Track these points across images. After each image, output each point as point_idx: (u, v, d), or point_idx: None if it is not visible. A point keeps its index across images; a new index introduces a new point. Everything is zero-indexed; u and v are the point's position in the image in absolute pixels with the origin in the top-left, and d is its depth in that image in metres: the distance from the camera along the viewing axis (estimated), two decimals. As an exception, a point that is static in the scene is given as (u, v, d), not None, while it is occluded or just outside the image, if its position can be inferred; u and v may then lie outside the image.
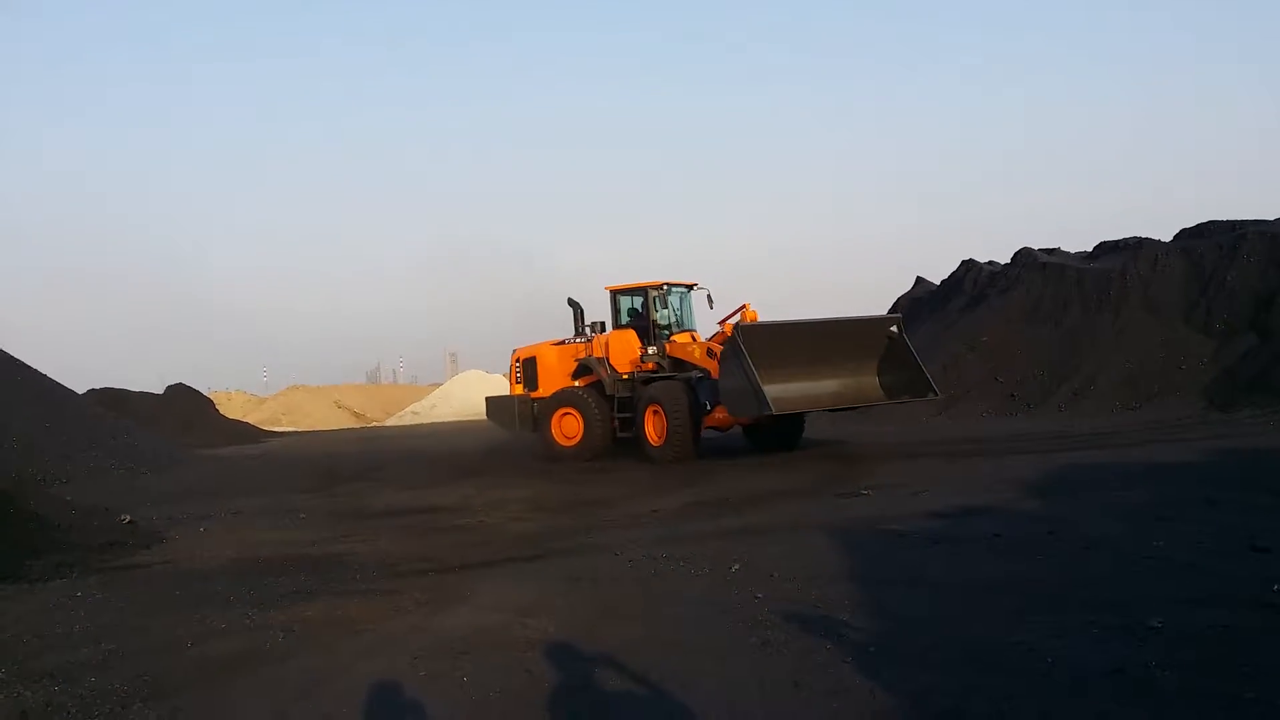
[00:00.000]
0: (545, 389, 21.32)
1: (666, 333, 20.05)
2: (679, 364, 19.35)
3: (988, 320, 27.51)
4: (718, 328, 19.47)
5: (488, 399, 24.90)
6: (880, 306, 38.41)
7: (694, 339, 20.02)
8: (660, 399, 18.61)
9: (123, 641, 7.24)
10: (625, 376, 19.93)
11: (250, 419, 57.54)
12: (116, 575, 10.05)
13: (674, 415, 18.27)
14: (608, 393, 19.98)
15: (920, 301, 33.76)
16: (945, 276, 33.44)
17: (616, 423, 19.82)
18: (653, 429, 18.85)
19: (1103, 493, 10.99)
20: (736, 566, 8.39)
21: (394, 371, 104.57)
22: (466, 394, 65.75)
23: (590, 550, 9.98)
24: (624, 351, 20.11)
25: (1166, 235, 27.28)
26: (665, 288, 20.28)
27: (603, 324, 20.73)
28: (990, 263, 31.41)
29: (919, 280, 35.74)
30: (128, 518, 12.95)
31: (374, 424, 62.24)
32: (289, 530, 13.01)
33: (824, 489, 13.28)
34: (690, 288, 20.99)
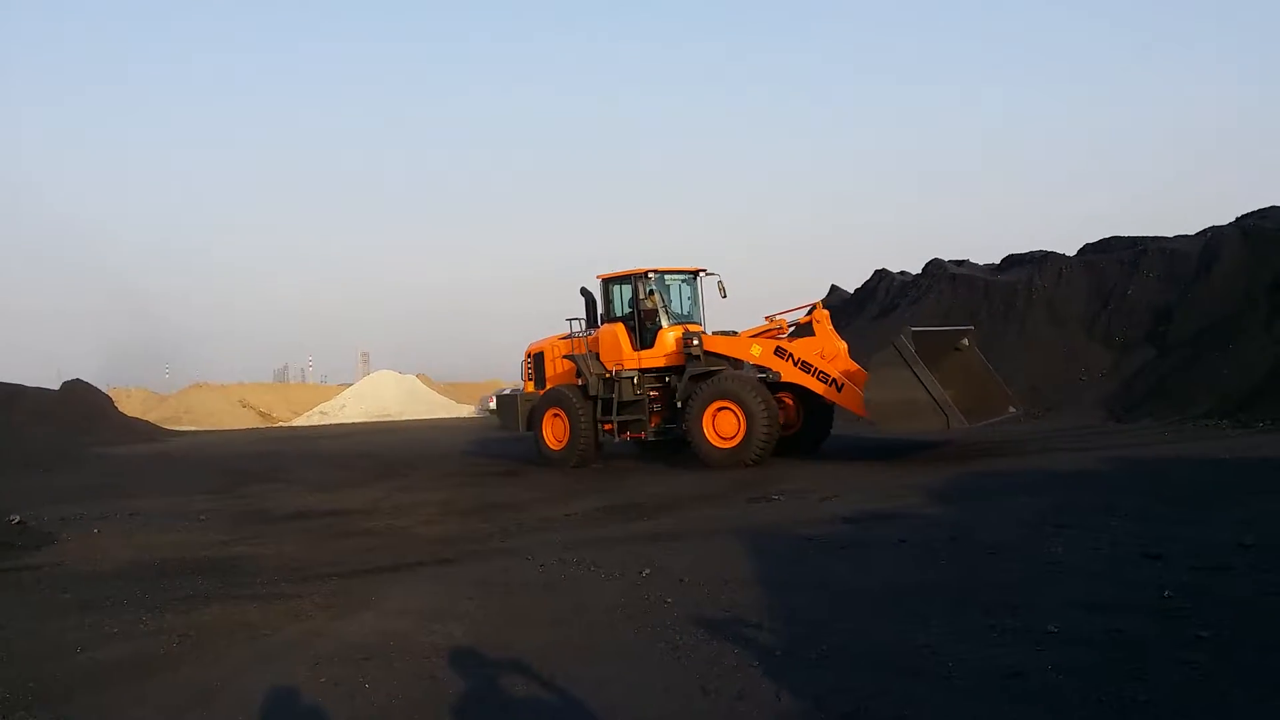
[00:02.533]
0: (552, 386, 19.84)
1: (657, 325, 18.27)
2: (692, 360, 17.69)
3: (899, 329, 28.04)
4: (738, 322, 18.63)
5: (498, 397, 23.71)
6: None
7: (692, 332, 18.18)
8: (742, 396, 16.44)
9: (8, 646, 6.96)
10: (609, 375, 18.46)
11: (151, 417, 55.76)
12: (4, 578, 9.66)
13: (762, 416, 16.32)
14: (590, 393, 18.56)
15: (834, 309, 34.26)
16: (859, 285, 34.02)
17: (613, 425, 18.44)
18: (721, 428, 16.72)
19: (1005, 499, 11.24)
20: (647, 571, 8.37)
21: (303, 370, 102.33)
22: (378, 394, 64.83)
23: (501, 554, 9.88)
24: (611, 347, 18.51)
25: (1071, 249, 28.16)
26: (654, 275, 18.55)
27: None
28: (902, 273, 32.07)
29: (833, 288, 36.31)
30: (17, 518, 12.47)
31: (280, 424, 60.86)
32: (188, 532, 12.62)
33: (735, 494, 13.35)
34: (695, 274, 19.29)
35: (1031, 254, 28.55)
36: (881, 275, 32.60)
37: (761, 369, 17.49)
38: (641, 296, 18.37)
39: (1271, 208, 23.69)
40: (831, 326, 17.54)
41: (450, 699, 5.45)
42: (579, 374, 18.94)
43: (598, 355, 18.78)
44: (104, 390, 53.60)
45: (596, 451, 19.08)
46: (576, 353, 19.03)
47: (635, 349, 18.36)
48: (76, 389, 46.30)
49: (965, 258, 30.87)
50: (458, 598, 7.92)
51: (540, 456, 19.39)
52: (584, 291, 19.38)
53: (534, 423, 19.57)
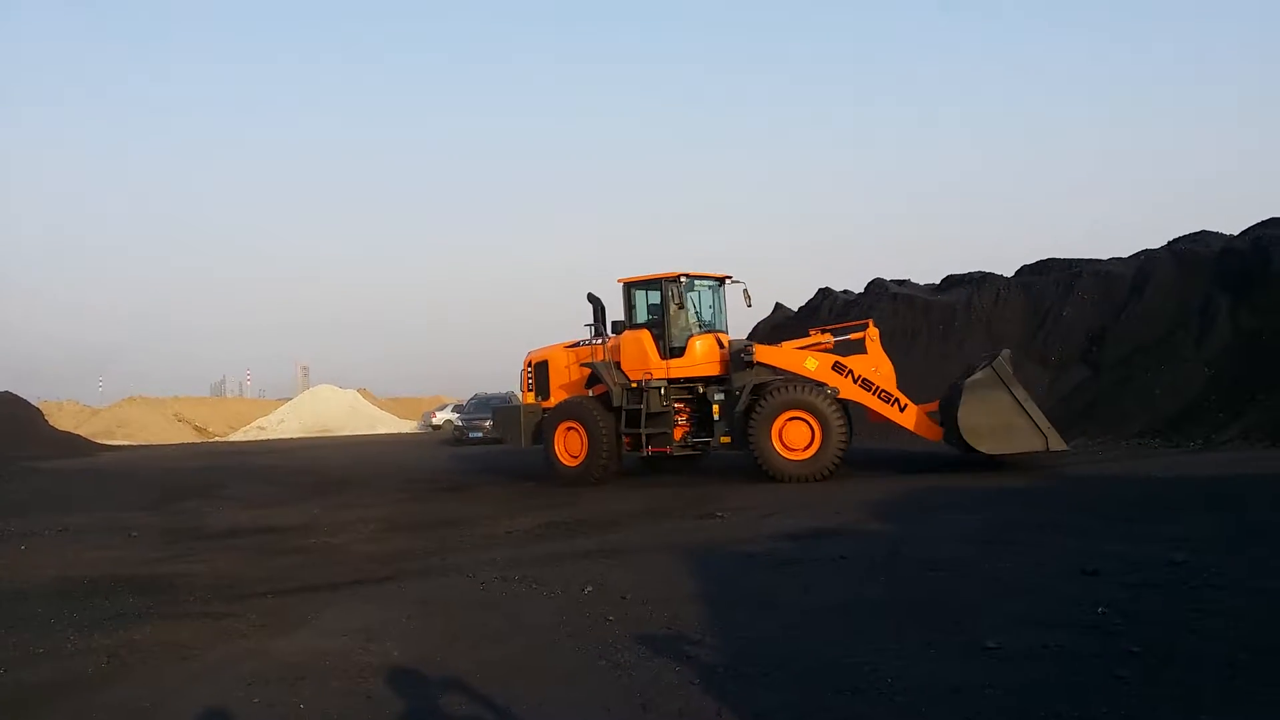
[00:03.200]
0: (557, 398, 18.73)
1: (686, 334, 17.53)
2: (741, 370, 17.04)
3: (842, 348, 28.27)
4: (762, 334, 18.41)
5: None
6: (739, 331, 39.06)
7: (721, 341, 17.81)
8: (819, 407, 16.02)
9: (-75, 668, 6.69)
10: (635, 385, 17.49)
11: (82, 431, 54.32)
12: (-79, 597, 9.31)
13: (839, 427, 16.01)
14: (614, 404, 17.41)
15: (779, 328, 34.56)
16: (803, 303, 34.31)
17: (631, 439, 17.58)
18: (791, 439, 16.18)
19: (945, 516, 11.38)
20: (589, 589, 8.33)
21: (240, 384, 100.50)
22: (317, 409, 63.76)
23: (441, 572, 9.76)
24: (636, 355, 17.50)
25: (1009, 271, 28.65)
26: (684, 280, 17.57)
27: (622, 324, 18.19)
28: (845, 291, 32.38)
29: (778, 306, 36.58)
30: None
31: (217, 439, 59.72)
32: (119, 549, 12.31)
33: (680, 511, 13.36)
34: (721, 281, 18.43)
35: (970, 274, 29.01)
36: (825, 293, 32.91)
37: (818, 383, 16.73)
38: (674, 301, 17.35)
39: (1202, 232, 24.32)
40: (881, 346, 17.27)
41: (387, 719, 5.36)
42: (590, 384, 18.23)
43: (618, 364, 17.80)
44: (34, 404, 52.19)
45: (618, 466, 17.98)
46: (596, 360, 18.04)
47: (663, 358, 17.42)
48: (4, 402, 45.00)
49: (906, 277, 31.33)
50: (395, 616, 7.80)
51: (552, 473, 18.06)
52: (591, 297, 18.50)
53: (543, 436, 18.38)
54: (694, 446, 17.66)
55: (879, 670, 5.66)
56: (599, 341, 18.22)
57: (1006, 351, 16.52)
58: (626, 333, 17.79)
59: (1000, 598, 7.30)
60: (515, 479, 19.30)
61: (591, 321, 18.58)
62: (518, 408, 19.85)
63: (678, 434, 17.53)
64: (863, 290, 31.23)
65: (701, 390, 17.44)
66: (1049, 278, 26.71)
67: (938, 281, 30.32)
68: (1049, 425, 15.07)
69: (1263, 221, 22.48)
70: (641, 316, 17.91)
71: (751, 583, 8.39)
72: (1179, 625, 6.21)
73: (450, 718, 5.34)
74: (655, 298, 17.72)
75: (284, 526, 14.06)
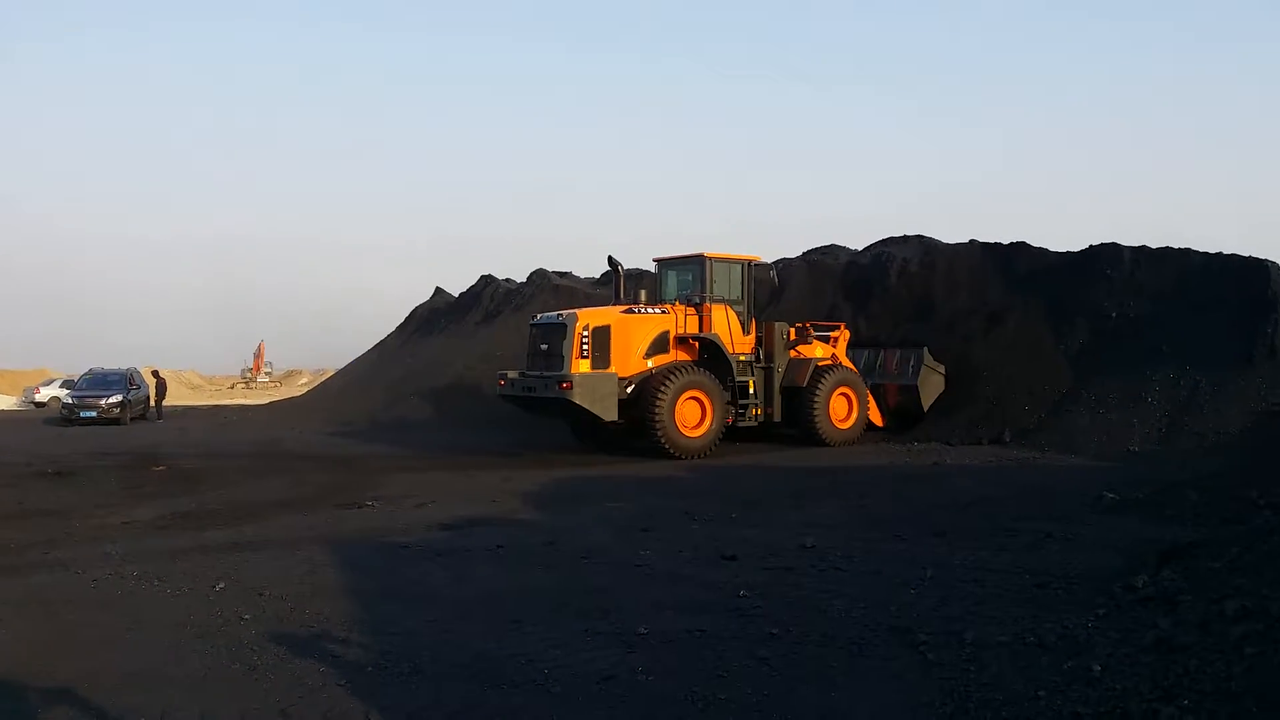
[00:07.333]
0: (621, 366, 17.12)
1: (753, 314, 18.66)
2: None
3: (503, 336, 28.33)
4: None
5: (576, 377, 16.71)
6: (395, 315, 38.13)
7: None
8: (858, 383, 18.94)
9: None
10: (744, 358, 18.15)
11: None
12: None
13: (869, 399, 19.15)
14: (735, 377, 17.78)
15: (439, 312, 34.08)
16: (464, 290, 34.02)
17: (752, 411, 18.15)
18: (836, 412, 18.52)
19: (596, 505, 11.60)
20: (221, 585, 7.61)
21: None
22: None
23: (44, 568, 8.52)
24: (724, 331, 17.95)
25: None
26: (712, 262, 18.36)
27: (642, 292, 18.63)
28: (508, 280, 32.48)
29: (438, 290, 36.06)
30: None
31: None
32: None
33: (324, 500, 12.62)
34: (749, 264, 19.00)
35: (629, 272, 29.99)
36: (487, 281, 32.84)
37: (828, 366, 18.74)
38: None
39: (832, 245, 26.47)
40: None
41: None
42: (652, 353, 17.55)
43: (721, 339, 17.90)
44: None
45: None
46: (705, 333, 17.85)
47: (745, 334, 18.31)
48: None
49: (568, 270, 31.91)
50: (-14, 620, 6.71)
51: (662, 445, 16.65)
52: (611, 261, 18.87)
53: (646, 406, 16.73)
54: (762, 421, 18.44)
55: (535, 662, 5.59)
56: (644, 308, 18.04)
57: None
58: (713, 305, 18.03)
59: (650, 584, 7.51)
60: (133, 465, 17.36)
61: (613, 286, 19.22)
62: (611, 377, 16.99)
63: (755, 410, 18.25)
64: (525, 280, 31.46)
65: (771, 367, 18.46)
66: (689, 276, 28.13)
67: (597, 275, 31.16)
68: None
69: (883, 240, 24.98)
70: (669, 293, 18.97)
71: (403, 575, 8.04)
72: (811, 607, 6.66)
73: (49, 738, 4.62)
74: (687, 276, 18.74)
75: None
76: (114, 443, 21.44)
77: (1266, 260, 17.32)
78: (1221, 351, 16.17)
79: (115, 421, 27.77)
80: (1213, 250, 18.28)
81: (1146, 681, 4.49)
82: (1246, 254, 17.73)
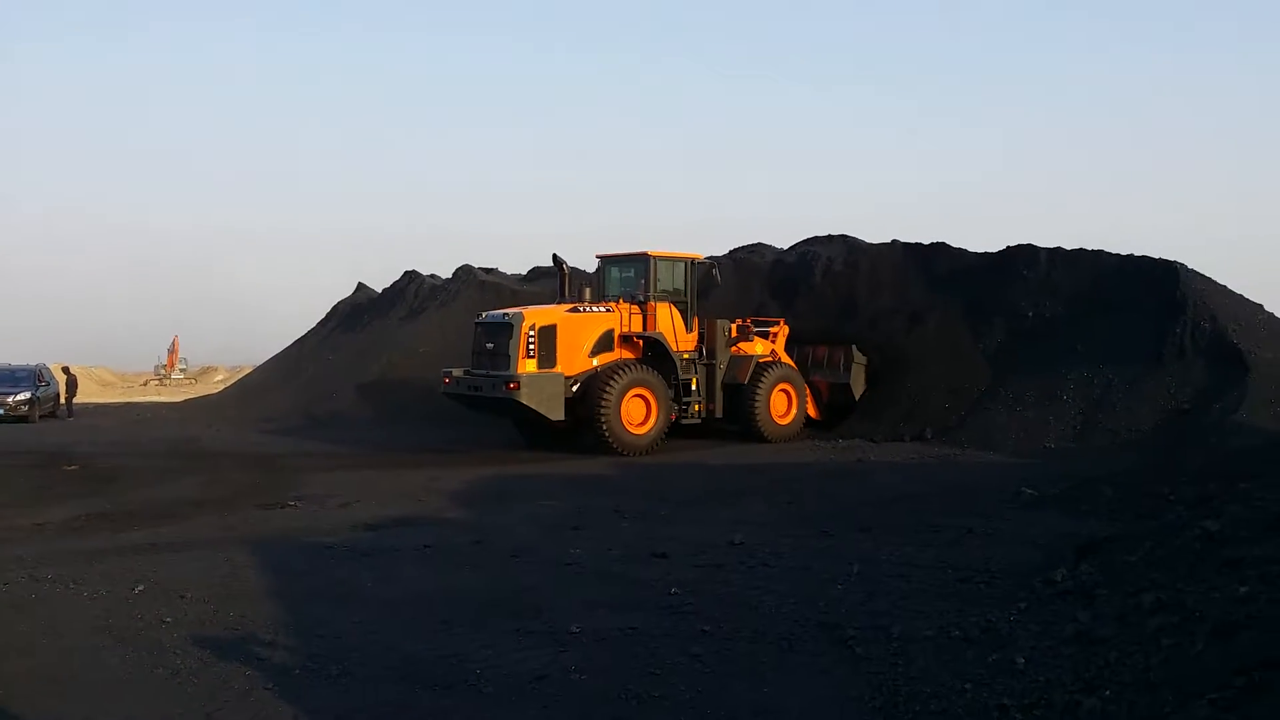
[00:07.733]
0: (566, 365, 16.99)
1: (694, 311, 18.70)
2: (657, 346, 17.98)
3: (427, 331, 28.00)
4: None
5: (523, 377, 16.64)
6: (317, 309, 37.42)
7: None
8: (797, 380, 19.22)
9: None
10: (687, 356, 18.20)
11: None
12: None
13: (807, 394, 19.45)
14: (680, 376, 17.91)
15: (361, 307, 33.54)
16: (388, 285, 33.54)
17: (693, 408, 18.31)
18: (777, 408, 18.77)
19: (524, 503, 11.54)
20: (141, 587, 7.39)
21: None
22: None
23: (-53, 572, 8.20)
24: (668, 328, 18.00)
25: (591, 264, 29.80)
26: (656, 260, 18.45)
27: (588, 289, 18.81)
28: (432, 276, 32.08)
29: (360, 286, 35.48)
30: None
31: None
32: None
33: (245, 500, 12.32)
34: (692, 261, 19.18)
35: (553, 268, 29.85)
36: (411, 276, 32.38)
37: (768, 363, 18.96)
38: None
39: (759, 244, 26.71)
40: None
41: None
42: (597, 352, 17.49)
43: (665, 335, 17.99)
44: None
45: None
46: (650, 331, 17.87)
47: (688, 332, 18.41)
48: None
49: (495, 266, 31.63)
50: (-117, 629, 6.43)
51: (608, 443, 16.70)
52: (556, 259, 18.60)
53: (592, 405, 16.77)
54: (697, 417, 18.48)
55: (466, 662, 5.55)
56: (589, 306, 17.99)
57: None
58: (655, 303, 18.01)
59: (580, 582, 7.51)
60: (44, 464, 16.79)
61: (558, 283, 18.83)
62: (557, 376, 16.90)
63: (697, 406, 18.40)
64: (450, 276, 31.14)
65: (712, 364, 18.60)
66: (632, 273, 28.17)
67: (525, 272, 30.97)
68: None
69: (808, 239, 25.28)
70: (610, 290, 18.93)
71: (329, 576, 7.90)
72: (742, 603, 6.72)
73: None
74: (630, 273, 18.71)
75: None
76: (23, 441, 20.68)
77: (1176, 263, 17.91)
78: (1134, 351, 16.69)
79: (23, 419, 26.71)
80: (1125, 252, 18.89)
81: (1069, 673, 4.63)
82: (1157, 256, 18.37)
